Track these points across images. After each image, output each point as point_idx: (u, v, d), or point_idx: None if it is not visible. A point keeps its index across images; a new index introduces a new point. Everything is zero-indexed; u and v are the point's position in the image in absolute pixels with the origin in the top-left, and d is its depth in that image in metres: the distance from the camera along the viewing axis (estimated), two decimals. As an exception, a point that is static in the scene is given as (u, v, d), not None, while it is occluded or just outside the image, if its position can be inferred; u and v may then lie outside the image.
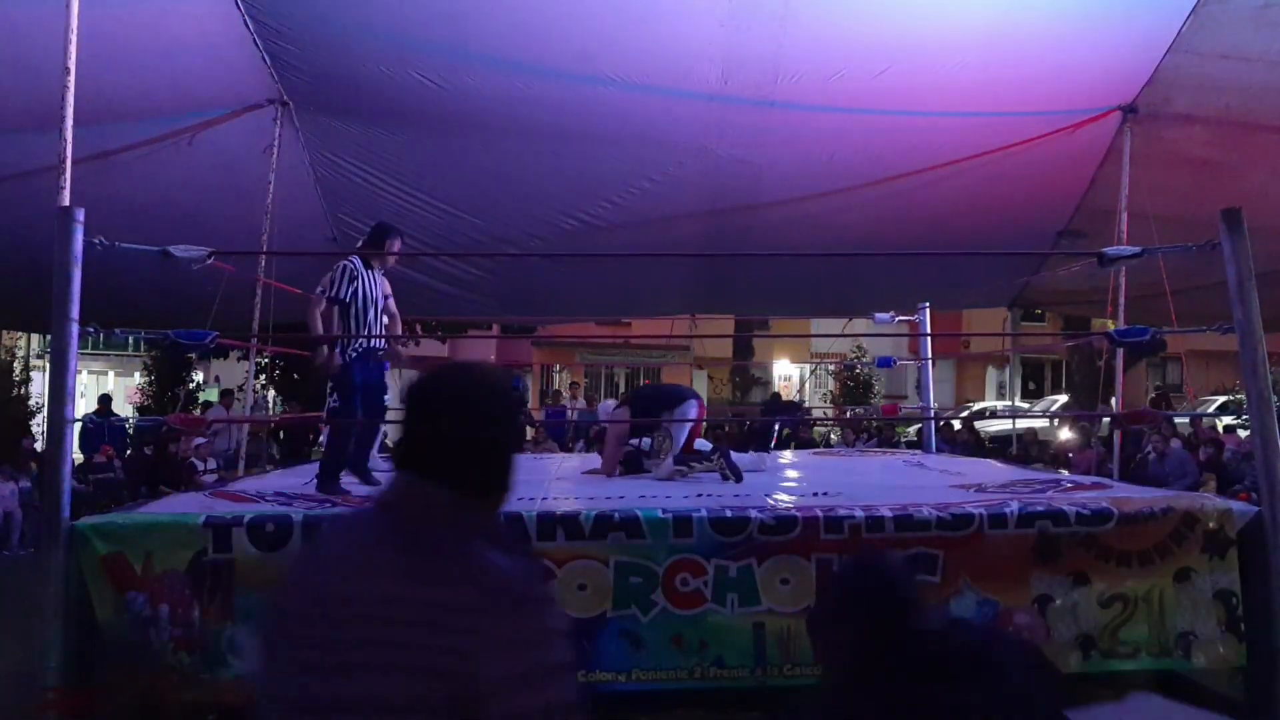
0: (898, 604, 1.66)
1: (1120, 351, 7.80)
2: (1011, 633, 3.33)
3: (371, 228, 5.40)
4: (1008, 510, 3.54)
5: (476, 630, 1.19)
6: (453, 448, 1.30)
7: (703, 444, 5.72)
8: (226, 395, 14.74)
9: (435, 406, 1.32)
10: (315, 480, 4.88)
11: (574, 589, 3.33)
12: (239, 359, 15.92)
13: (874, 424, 14.58)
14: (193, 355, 16.06)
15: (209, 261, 4.23)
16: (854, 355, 21.30)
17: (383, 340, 5.19)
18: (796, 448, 10.73)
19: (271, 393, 16.78)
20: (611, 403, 6.71)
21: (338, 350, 4.93)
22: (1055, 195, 9.01)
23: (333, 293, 4.93)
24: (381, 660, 1.20)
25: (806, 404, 20.72)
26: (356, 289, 4.96)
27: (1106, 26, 6.62)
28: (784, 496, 4.37)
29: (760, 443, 7.74)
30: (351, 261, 5.04)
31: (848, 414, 17.89)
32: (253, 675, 1.35)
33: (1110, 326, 7.60)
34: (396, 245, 5.30)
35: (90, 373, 25.02)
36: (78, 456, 10.38)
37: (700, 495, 4.42)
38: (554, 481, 5.30)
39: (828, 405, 22.91)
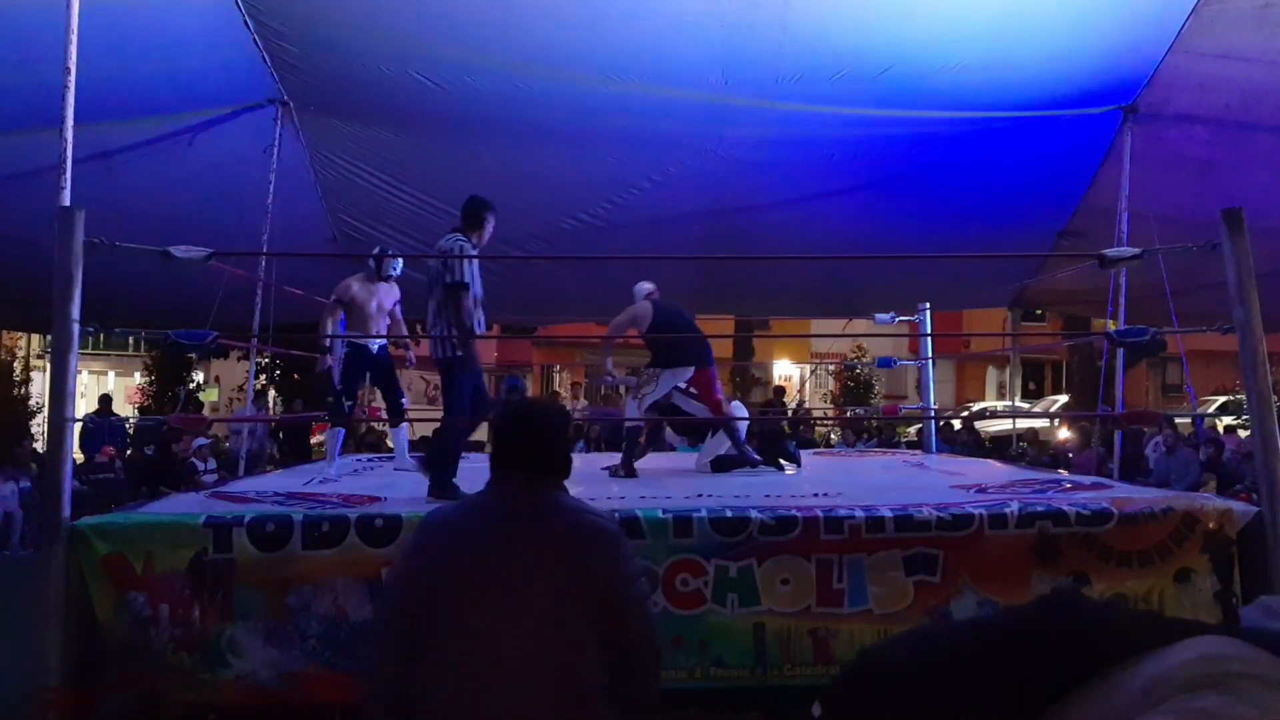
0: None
1: (1120, 352, 7.80)
2: None
3: (468, 201, 4.90)
4: (1008, 510, 3.54)
5: (594, 553, 1.95)
6: (548, 451, 2.08)
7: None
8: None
9: (537, 427, 2.11)
10: (430, 485, 4.52)
11: (574, 589, 3.32)
12: (239, 359, 15.93)
13: (874, 424, 14.58)
14: (193, 355, 16.05)
15: (209, 262, 4.23)
16: (854, 355, 21.30)
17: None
18: (797, 447, 10.71)
19: (272, 392, 16.78)
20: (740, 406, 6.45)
21: (453, 344, 4.60)
22: (1056, 195, 9.01)
23: (462, 277, 4.54)
24: (541, 585, 1.89)
25: (806, 404, 20.72)
26: (475, 271, 4.61)
27: (1106, 26, 6.61)
28: (784, 497, 4.37)
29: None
30: (465, 241, 4.63)
31: (848, 414, 17.89)
32: (396, 629, 1.97)
33: (1110, 327, 7.59)
34: (493, 221, 4.90)
35: (90, 373, 25.01)
36: (78, 456, 10.38)
37: (700, 495, 4.42)
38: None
39: (828, 405, 22.91)
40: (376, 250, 6.37)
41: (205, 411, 16.90)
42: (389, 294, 6.20)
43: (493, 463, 2.10)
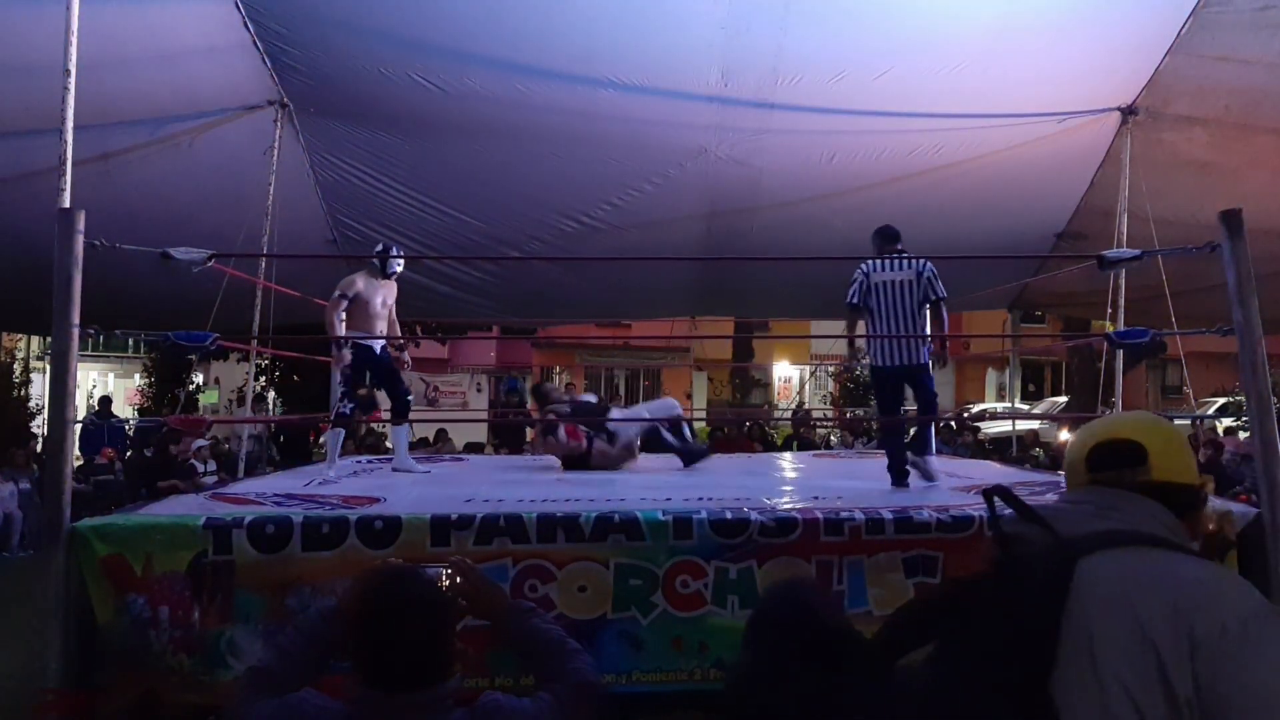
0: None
1: (1120, 353, 7.80)
2: None
3: (889, 226, 5.56)
4: (1007, 512, 3.54)
5: None
6: (443, 656, 1.82)
7: None
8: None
9: (429, 622, 1.79)
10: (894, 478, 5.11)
11: (574, 591, 3.32)
12: (239, 360, 15.93)
13: (874, 426, 14.55)
14: (193, 357, 16.06)
15: (209, 264, 4.23)
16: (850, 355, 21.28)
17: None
18: (799, 449, 10.74)
19: (272, 394, 16.78)
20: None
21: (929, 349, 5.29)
22: (1055, 197, 9.01)
23: (944, 293, 5.19)
24: None
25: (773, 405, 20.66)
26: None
27: (1106, 28, 6.62)
28: (784, 498, 4.37)
29: None
30: (866, 264, 5.31)
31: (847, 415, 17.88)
32: None
33: (1110, 328, 7.60)
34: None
35: (85, 371, 24.98)
36: (77, 458, 10.38)
37: (700, 498, 4.41)
38: (554, 483, 5.31)
39: (828, 407, 22.92)
40: (380, 248, 6.37)
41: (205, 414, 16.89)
42: (391, 292, 6.21)
43: (366, 680, 1.74)
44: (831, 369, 22.00)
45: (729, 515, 3.47)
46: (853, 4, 6.45)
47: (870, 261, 5.34)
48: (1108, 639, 1.20)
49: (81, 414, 12.78)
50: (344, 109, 7.71)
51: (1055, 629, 1.22)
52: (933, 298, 5.23)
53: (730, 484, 5.27)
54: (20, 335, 17.16)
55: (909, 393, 5.54)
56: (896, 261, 5.29)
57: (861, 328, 5.46)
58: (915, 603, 1.98)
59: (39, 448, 10.92)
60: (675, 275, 10.64)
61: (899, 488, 5.03)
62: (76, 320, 3.44)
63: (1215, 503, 3.93)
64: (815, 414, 18.79)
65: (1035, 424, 17.73)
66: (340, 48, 6.89)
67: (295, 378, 16.30)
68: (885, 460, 5.30)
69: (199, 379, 20.83)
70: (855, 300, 5.31)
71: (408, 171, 8.41)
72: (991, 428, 16.30)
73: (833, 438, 15.25)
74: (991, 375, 27.66)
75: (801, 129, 7.66)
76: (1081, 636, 1.21)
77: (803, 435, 12.75)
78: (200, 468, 10.38)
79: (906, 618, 1.76)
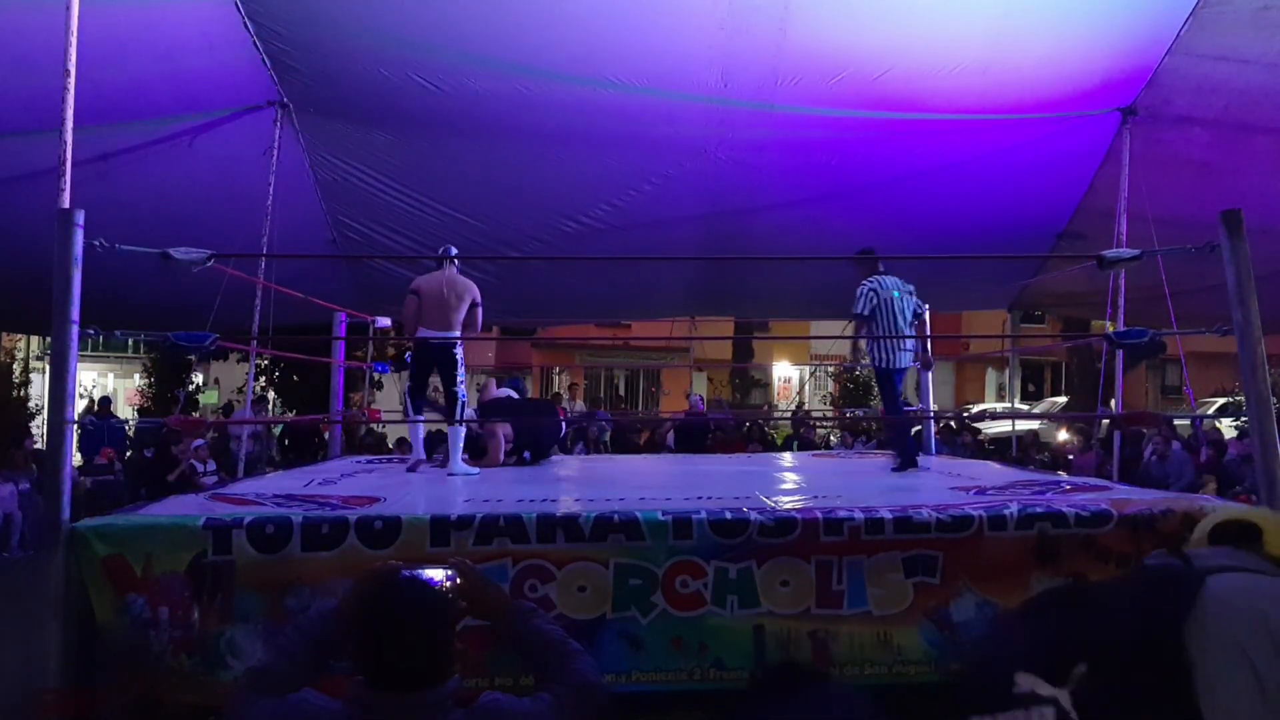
0: None
1: (1120, 353, 7.80)
2: None
3: (869, 250, 6.18)
4: (1007, 512, 3.54)
5: None
6: (443, 656, 1.82)
7: None
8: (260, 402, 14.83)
9: (429, 624, 1.81)
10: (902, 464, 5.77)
11: (574, 591, 3.32)
12: (239, 361, 15.93)
13: (873, 426, 14.56)
14: (192, 357, 16.07)
15: (209, 264, 4.23)
16: (854, 357, 21.30)
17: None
18: (799, 448, 10.74)
19: (272, 394, 16.79)
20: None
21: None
22: (1055, 197, 9.02)
23: (865, 309, 5.87)
24: None
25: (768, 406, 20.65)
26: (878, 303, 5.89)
27: (1106, 28, 6.63)
28: (783, 499, 4.37)
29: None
30: (873, 280, 5.91)
31: (846, 415, 17.87)
32: None
33: (1110, 328, 7.60)
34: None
35: (85, 372, 24.98)
36: (77, 459, 10.38)
37: (700, 498, 4.41)
38: (554, 483, 5.31)
39: (827, 407, 22.92)
40: (451, 250, 6.50)
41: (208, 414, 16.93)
42: None
43: (366, 681, 1.75)
44: (831, 369, 21.99)
45: (728, 515, 3.47)
46: (853, 4, 6.45)
47: (876, 279, 5.91)
48: (1250, 645, 1.46)
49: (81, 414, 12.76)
50: (344, 109, 7.71)
51: (1180, 628, 1.49)
52: (921, 312, 6.21)
53: (730, 484, 5.28)
54: (20, 335, 17.16)
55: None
56: (893, 280, 6.01)
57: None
58: (1051, 594, 2.27)
59: (39, 447, 10.92)
60: (675, 275, 10.65)
61: (905, 470, 5.68)
62: (76, 320, 3.44)
63: (1216, 503, 3.93)
64: (815, 414, 18.80)
65: (1035, 424, 17.71)
66: (340, 48, 6.89)
67: (295, 378, 16.30)
68: (885, 461, 5.33)
69: (199, 379, 20.85)
70: (867, 311, 5.91)
71: (408, 171, 8.41)
72: (991, 428, 16.29)
73: (832, 438, 15.24)
74: (991, 375, 27.68)
75: (801, 129, 7.66)
76: (1226, 641, 1.47)
77: (802, 435, 12.76)
78: (200, 468, 10.38)
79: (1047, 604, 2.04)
